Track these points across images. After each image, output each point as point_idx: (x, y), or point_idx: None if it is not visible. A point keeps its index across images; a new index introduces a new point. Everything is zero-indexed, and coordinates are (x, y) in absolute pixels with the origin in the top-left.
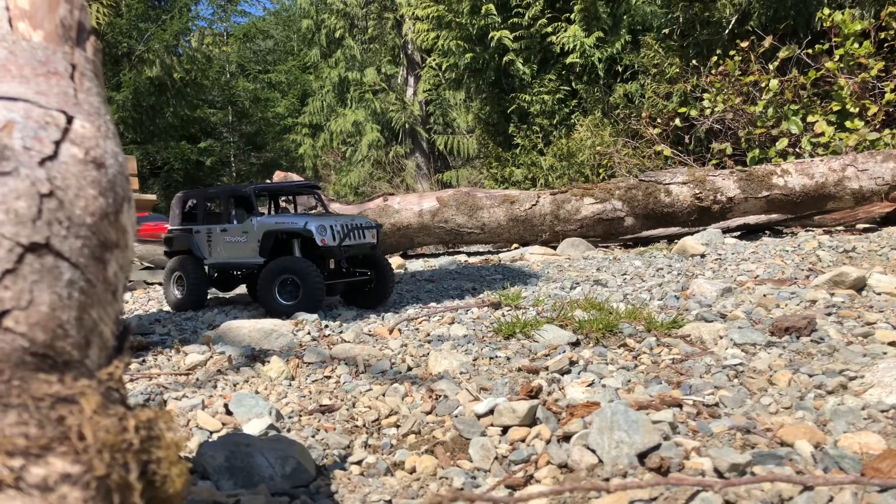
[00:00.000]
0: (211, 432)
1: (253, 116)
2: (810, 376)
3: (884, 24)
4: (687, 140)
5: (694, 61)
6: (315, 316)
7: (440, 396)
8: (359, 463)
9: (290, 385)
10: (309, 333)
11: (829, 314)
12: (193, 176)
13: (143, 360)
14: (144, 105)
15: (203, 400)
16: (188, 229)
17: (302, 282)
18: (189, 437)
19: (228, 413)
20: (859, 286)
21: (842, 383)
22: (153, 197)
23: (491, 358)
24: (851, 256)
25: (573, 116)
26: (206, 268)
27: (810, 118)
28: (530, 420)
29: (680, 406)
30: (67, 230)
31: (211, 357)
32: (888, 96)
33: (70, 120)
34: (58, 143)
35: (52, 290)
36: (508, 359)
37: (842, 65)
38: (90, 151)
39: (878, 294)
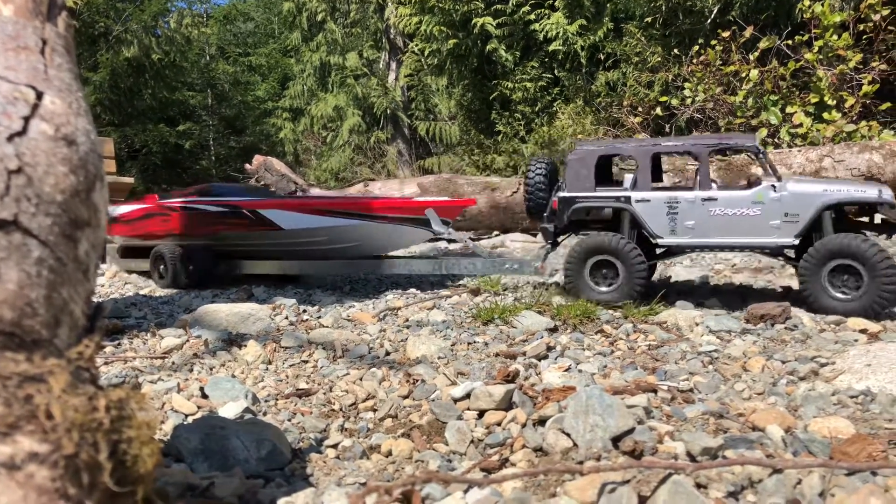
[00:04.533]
0: (186, 415)
1: (233, 100)
2: (783, 363)
3: (863, 15)
4: (668, 129)
5: (676, 50)
6: (293, 300)
7: (418, 381)
8: (335, 446)
9: (267, 369)
10: (287, 318)
11: (802, 302)
12: (172, 159)
13: (119, 344)
14: (122, 86)
15: (178, 383)
16: (622, 197)
17: (869, 271)
18: (164, 419)
19: (204, 396)
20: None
21: (813, 370)
22: (130, 180)
23: (469, 343)
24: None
25: (555, 104)
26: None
27: (789, 109)
28: (506, 404)
29: (655, 391)
30: (37, 207)
31: (187, 341)
32: (865, 88)
33: (40, 96)
34: (27, 119)
35: (21, 268)
36: (486, 344)
37: (821, 56)
38: (61, 128)
39: None
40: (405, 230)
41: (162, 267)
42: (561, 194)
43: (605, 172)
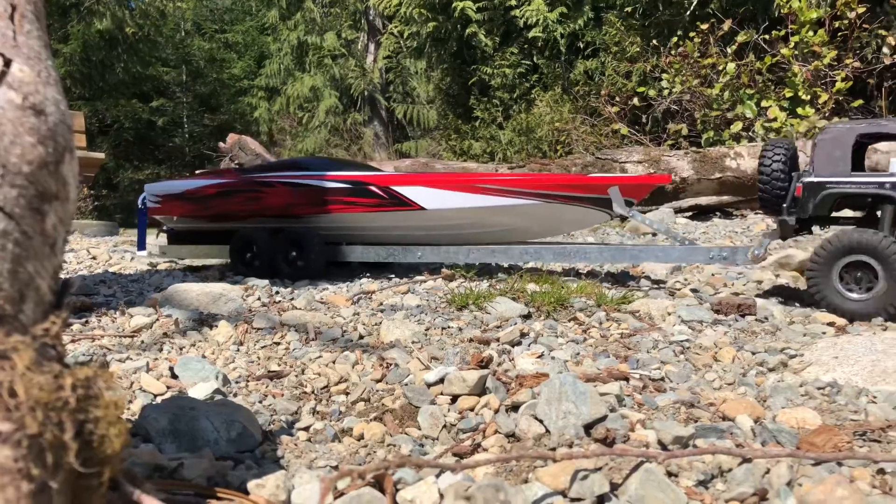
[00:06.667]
0: (155, 395)
1: (208, 77)
2: (753, 354)
3: (839, 13)
4: (644, 120)
5: (654, 41)
6: (266, 282)
7: (391, 365)
8: (306, 429)
9: (238, 350)
10: (259, 299)
11: (774, 294)
12: (144, 135)
13: (87, 322)
14: (94, 59)
15: (148, 363)
16: (887, 183)
17: None
18: (132, 399)
19: (174, 376)
20: (804, 268)
21: (782, 361)
22: (101, 155)
23: (443, 328)
24: (797, 239)
25: (533, 91)
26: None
27: (764, 103)
28: (480, 389)
29: (627, 379)
30: (2, 178)
31: (157, 320)
32: (838, 85)
33: (7, 63)
34: None
35: None
36: (460, 329)
37: (796, 52)
38: (29, 97)
39: None
40: (579, 211)
41: (249, 255)
42: (807, 179)
43: (859, 159)
